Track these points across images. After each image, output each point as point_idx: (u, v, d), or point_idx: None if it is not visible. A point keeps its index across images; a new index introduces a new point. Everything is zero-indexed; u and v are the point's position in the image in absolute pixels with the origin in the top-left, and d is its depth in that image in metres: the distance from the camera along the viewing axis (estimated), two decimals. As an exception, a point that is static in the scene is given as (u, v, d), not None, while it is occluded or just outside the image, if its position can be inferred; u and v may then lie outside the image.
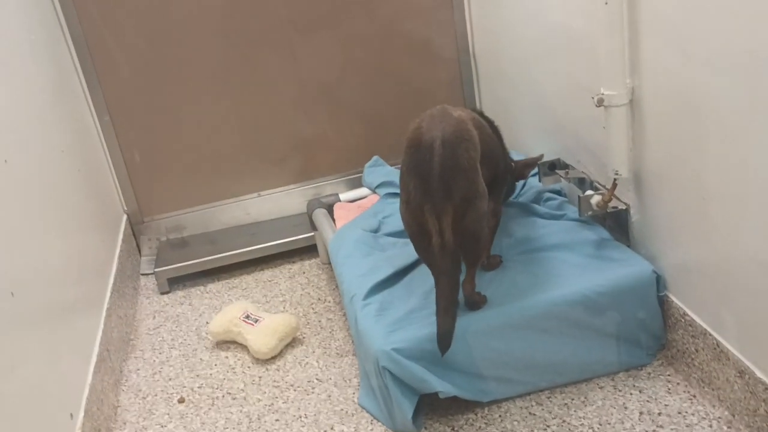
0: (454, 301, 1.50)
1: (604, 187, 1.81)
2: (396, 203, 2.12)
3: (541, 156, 1.94)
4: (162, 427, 1.76)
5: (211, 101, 2.48)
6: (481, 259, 1.64)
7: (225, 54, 2.45)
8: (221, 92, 2.48)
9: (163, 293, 2.39)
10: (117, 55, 2.37)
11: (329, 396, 1.77)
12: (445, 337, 1.49)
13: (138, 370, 2.00)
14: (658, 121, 1.54)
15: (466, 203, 1.48)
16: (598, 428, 1.53)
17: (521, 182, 2.08)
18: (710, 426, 1.48)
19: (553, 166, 2.02)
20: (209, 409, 1.80)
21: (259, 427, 1.70)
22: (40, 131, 1.87)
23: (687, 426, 1.49)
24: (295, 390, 1.81)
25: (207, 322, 2.16)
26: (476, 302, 1.63)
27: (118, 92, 2.40)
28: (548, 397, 1.63)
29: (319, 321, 2.09)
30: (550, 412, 1.59)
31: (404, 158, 1.53)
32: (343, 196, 2.39)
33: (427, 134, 1.49)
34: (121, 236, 2.40)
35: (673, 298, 1.63)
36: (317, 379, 1.84)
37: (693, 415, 1.52)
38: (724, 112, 1.32)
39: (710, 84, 1.34)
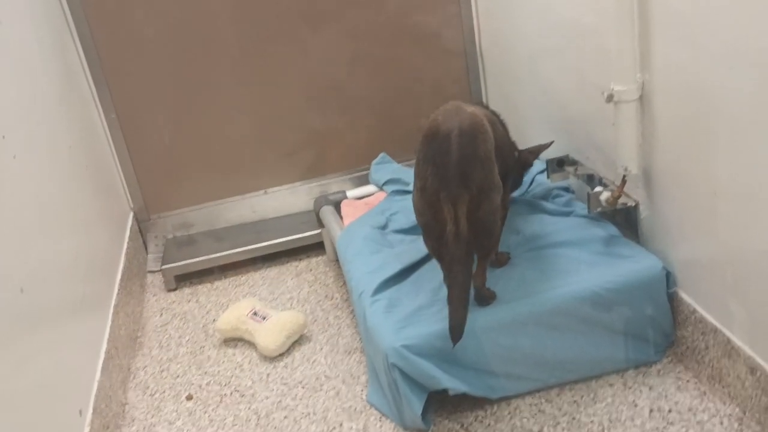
0: (467, 290, 1.49)
1: (613, 183, 1.80)
2: (403, 200, 2.13)
3: (551, 143, 1.91)
4: (170, 424, 1.76)
5: (218, 99, 2.48)
6: (493, 251, 1.65)
7: (231, 51, 2.44)
8: (228, 90, 2.47)
9: (169, 290, 2.39)
10: (123, 52, 2.37)
11: (337, 393, 1.76)
12: (457, 328, 1.47)
13: (145, 367, 2.00)
14: (669, 117, 1.53)
15: (482, 194, 1.48)
16: (608, 425, 1.52)
17: (530, 179, 2.07)
18: (721, 423, 1.47)
19: (562, 163, 2.01)
20: (217, 406, 1.79)
21: (268, 424, 1.70)
22: (48, 128, 1.87)
23: (698, 423, 1.49)
24: (303, 387, 1.81)
25: (214, 320, 2.15)
26: (485, 297, 1.62)
27: (125, 89, 2.40)
28: (558, 394, 1.63)
29: (327, 318, 2.08)
30: (560, 409, 1.59)
31: (420, 148, 1.52)
32: (350, 193, 2.38)
33: (444, 126, 1.49)
34: (127, 233, 2.40)
35: (683, 295, 1.62)
36: (325, 376, 1.83)
37: (704, 412, 1.51)
38: (735, 108, 1.32)
39: (721, 79, 1.33)
